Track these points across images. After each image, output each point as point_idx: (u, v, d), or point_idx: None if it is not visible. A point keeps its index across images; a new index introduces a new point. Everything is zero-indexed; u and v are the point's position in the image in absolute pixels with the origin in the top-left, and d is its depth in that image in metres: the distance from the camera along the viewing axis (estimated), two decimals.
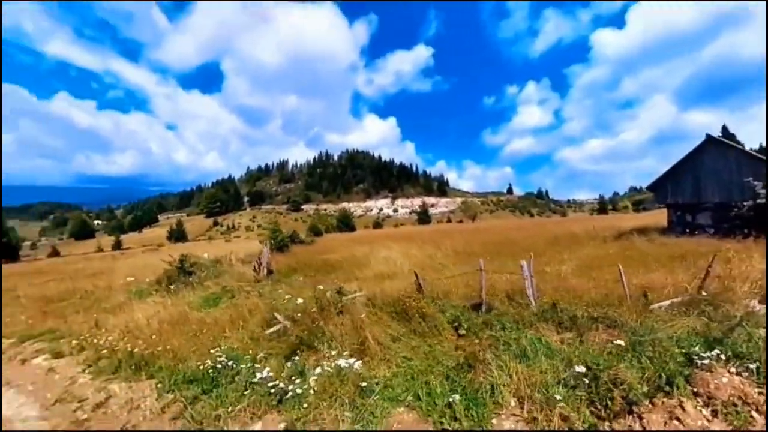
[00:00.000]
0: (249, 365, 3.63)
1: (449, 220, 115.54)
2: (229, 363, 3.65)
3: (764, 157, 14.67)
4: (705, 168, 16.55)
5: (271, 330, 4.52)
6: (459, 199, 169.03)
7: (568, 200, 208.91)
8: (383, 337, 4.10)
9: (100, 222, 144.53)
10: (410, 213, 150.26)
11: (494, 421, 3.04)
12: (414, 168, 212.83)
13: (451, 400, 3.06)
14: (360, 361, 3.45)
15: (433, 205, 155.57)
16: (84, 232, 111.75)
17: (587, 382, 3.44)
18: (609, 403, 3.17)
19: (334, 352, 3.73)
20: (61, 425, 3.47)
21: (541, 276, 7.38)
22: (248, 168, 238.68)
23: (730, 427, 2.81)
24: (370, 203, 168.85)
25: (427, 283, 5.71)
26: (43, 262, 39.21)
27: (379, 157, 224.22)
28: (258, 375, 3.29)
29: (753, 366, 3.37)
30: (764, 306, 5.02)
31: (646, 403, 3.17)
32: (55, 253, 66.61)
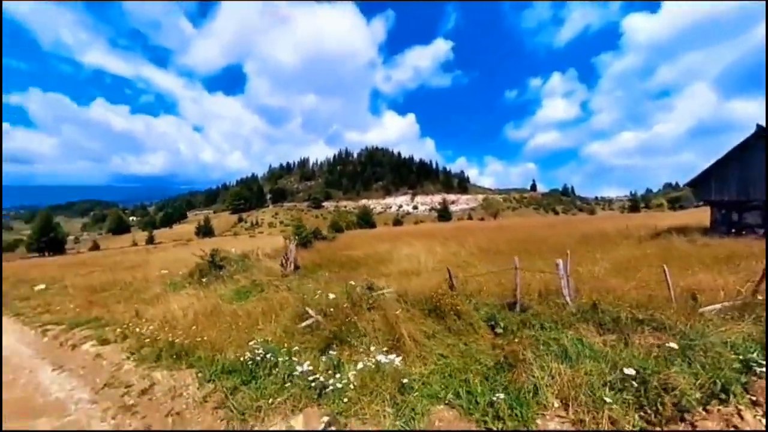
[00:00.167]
0: (285, 358, 3.67)
1: (470, 218, 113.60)
2: (267, 356, 3.70)
3: None
4: (754, 163, 15.23)
5: (304, 324, 4.56)
6: (480, 196, 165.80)
7: (596, 197, 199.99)
8: (417, 334, 4.03)
9: (134, 218, 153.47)
10: (430, 210, 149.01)
11: (539, 421, 2.94)
12: (434, 165, 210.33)
13: (494, 398, 2.97)
14: (400, 358, 3.39)
15: (453, 202, 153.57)
16: (120, 228, 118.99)
17: (636, 386, 3.27)
18: (660, 408, 3.01)
19: (372, 348, 3.69)
20: (110, 409, 3.64)
21: (574, 276, 7.09)
22: (270, 166, 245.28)
23: None
24: (389, 200, 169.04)
25: (458, 280, 5.57)
26: (85, 255, 42.03)
27: (399, 154, 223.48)
28: (299, 369, 3.30)
29: None
30: None
31: (700, 410, 3.00)
32: (95, 246, 71.33)
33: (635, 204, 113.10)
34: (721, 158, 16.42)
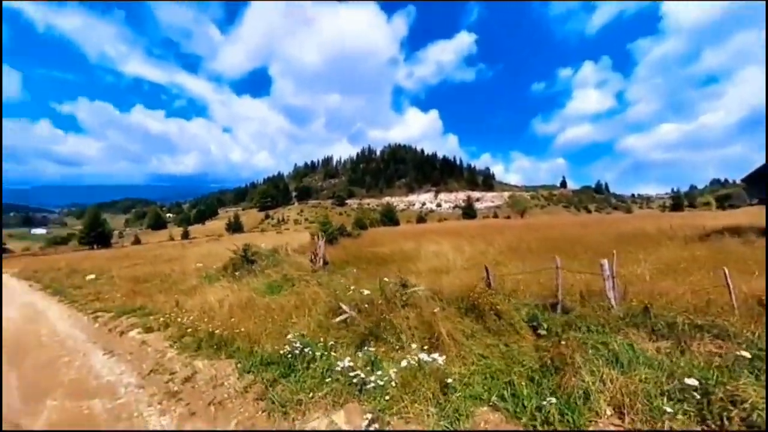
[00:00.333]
0: (322, 352, 3.67)
1: (495, 216, 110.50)
2: (305, 350, 3.71)
3: None
4: None
5: (339, 319, 4.55)
6: (506, 194, 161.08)
7: (633, 195, 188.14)
8: (456, 332, 3.90)
9: (170, 215, 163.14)
10: (454, 208, 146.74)
11: (591, 429, 2.75)
12: (457, 161, 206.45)
13: (545, 402, 2.81)
14: (443, 357, 3.28)
15: (478, 200, 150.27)
16: (158, 224, 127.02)
17: (698, 397, 3.01)
18: (725, 423, 2.77)
19: (414, 346, 3.60)
20: (156, 395, 3.79)
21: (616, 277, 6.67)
22: (295, 165, 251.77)
23: None
24: (412, 197, 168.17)
25: (495, 279, 5.36)
26: (128, 249, 45.08)
27: (422, 150, 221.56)
28: (339, 364, 3.28)
29: None
30: None
31: None
32: (137, 241, 76.54)
33: (678, 202, 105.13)
34: None
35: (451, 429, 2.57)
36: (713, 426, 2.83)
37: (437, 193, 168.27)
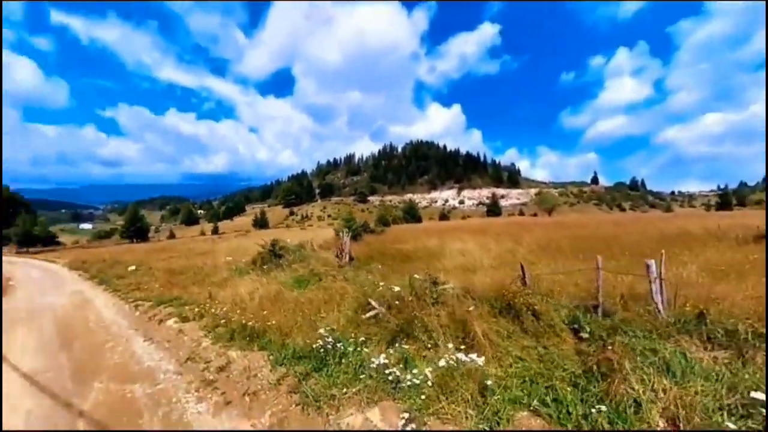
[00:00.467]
0: (354, 348, 3.64)
1: (521, 213, 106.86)
2: (337, 345, 3.70)
3: None
4: None
5: (368, 315, 4.50)
6: (533, 190, 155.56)
7: (673, 192, 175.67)
8: (491, 332, 3.74)
9: (201, 211, 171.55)
10: (477, 205, 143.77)
11: None
12: (481, 157, 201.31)
13: (593, 410, 2.62)
14: (482, 358, 3.15)
15: (503, 197, 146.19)
16: (190, 220, 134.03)
17: (765, 413, 2.73)
18: None
19: (450, 346, 3.48)
20: (193, 382, 3.91)
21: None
22: (318, 163, 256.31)
23: None
24: (435, 194, 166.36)
25: (530, 278, 5.12)
26: (164, 242, 47.74)
27: (444, 147, 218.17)
28: (375, 361, 3.23)
29: None
30: None
31: None
32: (172, 235, 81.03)
33: (726, 200, 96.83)
34: None
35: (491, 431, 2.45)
36: None
37: (460, 190, 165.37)
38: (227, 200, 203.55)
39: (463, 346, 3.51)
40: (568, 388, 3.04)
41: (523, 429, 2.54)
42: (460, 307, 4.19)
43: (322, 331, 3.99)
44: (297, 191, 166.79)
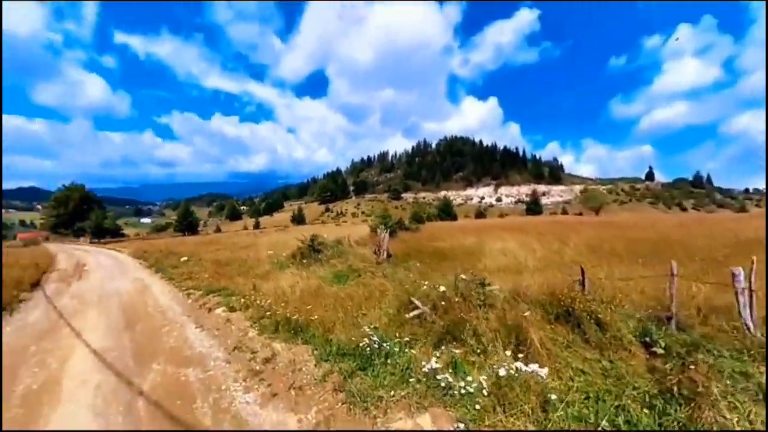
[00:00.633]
0: (399, 348, 3.52)
1: (565, 212, 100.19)
2: (384, 344, 3.60)
3: None
4: None
5: (412, 314, 4.36)
6: (577, 187, 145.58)
7: (747, 189, 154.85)
8: (547, 341, 3.42)
9: (244, 207, 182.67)
10: (516, 202, 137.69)
11: None
12: (520, 152, 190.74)
13: None
14: (545, 370, 2.87)
15: (544, 194, 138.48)
16: (234, 215, 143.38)
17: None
18: None
19: (507, 353, 3.22)
20: (240, 371, 4.01)
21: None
22: (352, 160, 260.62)
23: None
24: (470, 192, 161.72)
25: (591, 283, 4.65)
26: (211, 236, 51.24)
27: (480, 142, 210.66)
28: (426, 366, 3.08)
29: None
30: None
31: None
32: (218, 229, 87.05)
33: None
34: None
35: None
36: None
37: (497, 186, 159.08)
38: (267, 197, 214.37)
39: (517, 354, 3.23)
40: (643, 410, 2.67)
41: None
42: (510, 311, 3.89)
43: (366, 329, 3.90)
44: (332, 188, 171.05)
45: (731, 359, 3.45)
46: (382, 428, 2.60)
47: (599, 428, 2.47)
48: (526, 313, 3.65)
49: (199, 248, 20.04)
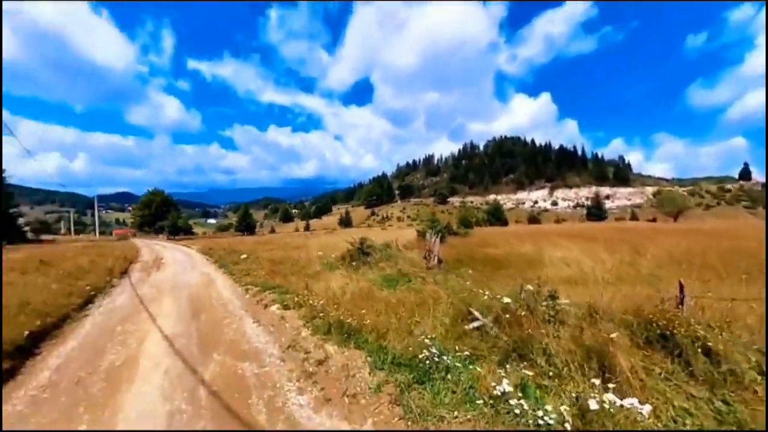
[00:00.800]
0: (460, 363, 3.22)
1: (634, 217, 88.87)
2: (443, 357, 3.34)
3: None
4: None
5: (471, 326, 4.02)
6: (649, 189, 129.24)
7: None
8: (639, 369, 2.87)
9: (295, 211, 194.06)
10: (575, 206, 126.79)
11: None
12: (579, 151, 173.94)
13: None
14: (648, 407, 2.40)
15: (608, 197, 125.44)
16: (287, 218, 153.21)
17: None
18: None
19: (595, 381, 2.73)
20: (294, 371, 4.02)
21: None
22: (398, 165, 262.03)
23: None
24: (522, 195, 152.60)
25: (693, 303, 3.89)
26: (267, 236, 54.98)
27: (532, 141, 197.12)
28: (498, 388, 2.76)
29: None
30: None
31: None
32: (272, 230, 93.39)
33: None
34: None
35: None
36: None
37: (552, 189, 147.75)
38: (317, 201, 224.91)
39: (602, 383, 2.72)
40: None
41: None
42: (588, 330, 3.36)
43: (426, 340, 3.65)
44: (378, 193, 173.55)
45: None
46: None
47: None
48: (612, 335, 3.10)
49: (256, 247, 21.44)
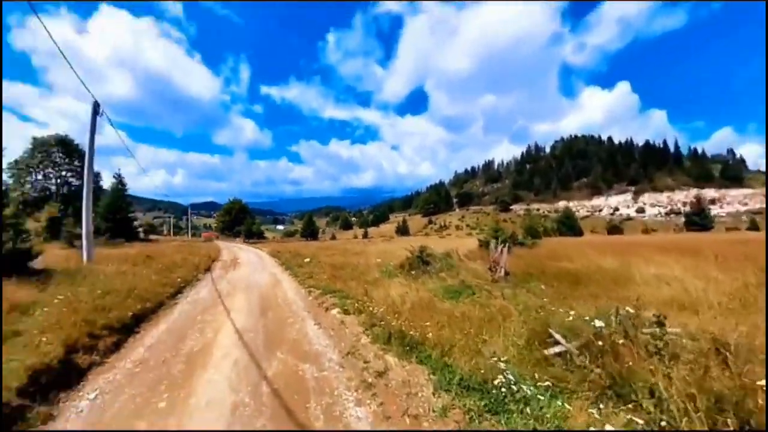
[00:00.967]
0: (541, 395, 2.76)
1: (755, 227, 71.31)
2: (521, 386, 2.90)
3: None
4: None
5: (552, 352, 3.47)
6: None
7: None
8: None
9: (354, 218, 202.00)
10: (667, 214, 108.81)
11: None
12: (670, 146, 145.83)
13: None
14: None
15: (714, 201, 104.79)
16: (346, 225, 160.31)
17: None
18: None
19: None
20: (353, 380, 3.91)
21: None
22: (455, 172, 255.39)
23: None
24: (598, 201, 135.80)
25: None
26: (328, 242, 57.96)
27: (609, 139, 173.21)
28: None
29: None
30: None
31: None
32: (333, 237, 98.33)
33: None
34: None
35: None
36: None
37: (637, 193, 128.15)
38: (374, 209, 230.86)
39: None
40: None
41: None
42: (716, 370, 2.60)
43: (500, 364, 3.24)
44: (435, 201, 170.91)
45: None
46: None
47: None
48: (760, 382, 2.33)
49: (318, 252, 22.54)
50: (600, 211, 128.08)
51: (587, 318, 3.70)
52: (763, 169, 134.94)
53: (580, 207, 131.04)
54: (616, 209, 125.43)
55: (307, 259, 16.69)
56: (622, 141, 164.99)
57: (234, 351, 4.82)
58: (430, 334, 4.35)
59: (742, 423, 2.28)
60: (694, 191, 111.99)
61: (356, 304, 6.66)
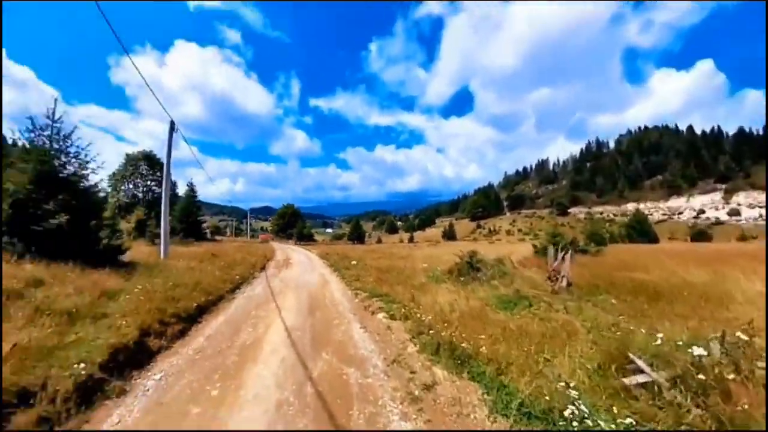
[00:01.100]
0: None
1: None
2: (599, 422, 2.47)
3: None
4: None
5: (633, 382, 2.94)
6: None
7: None
8: None
9: (400, 223, 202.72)
10: None
11: None
12: None
13: None
14: None
15: None
16: (392, 229, 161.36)
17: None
18: None
19: None
20: (398, 390, 3.73)
21: None
22: (505, 173, 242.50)
23: None
24: (677, 202, 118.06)
25: None
26: (374, 246, 58.77)
27: (689, 129, 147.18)
28: None
29: None
30: None
31: None
32: (379, 240, 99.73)
33: None
34: None
35: None
36: None
37: (729, 192, 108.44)
38: (420, 214, 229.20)
39: None
40: None
41: None
42: None
43: (571, 392, 2.82)
44: (483, 204, 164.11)
45: None
46: None
47: None
48: None
49: (365, 255, 22.85)
50: (680, 213, 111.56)
51: (680, 342, 3.07)
52: None
53: (654, 209, 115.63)
54: (702, 211, 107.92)
55: (354, 262, 16.96)
56: (707, 130, 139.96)
57: (282, 348, 4.95)
58: (484, 347, 4.00)
59: None
60: None
61: (403, 310, 6.48)
